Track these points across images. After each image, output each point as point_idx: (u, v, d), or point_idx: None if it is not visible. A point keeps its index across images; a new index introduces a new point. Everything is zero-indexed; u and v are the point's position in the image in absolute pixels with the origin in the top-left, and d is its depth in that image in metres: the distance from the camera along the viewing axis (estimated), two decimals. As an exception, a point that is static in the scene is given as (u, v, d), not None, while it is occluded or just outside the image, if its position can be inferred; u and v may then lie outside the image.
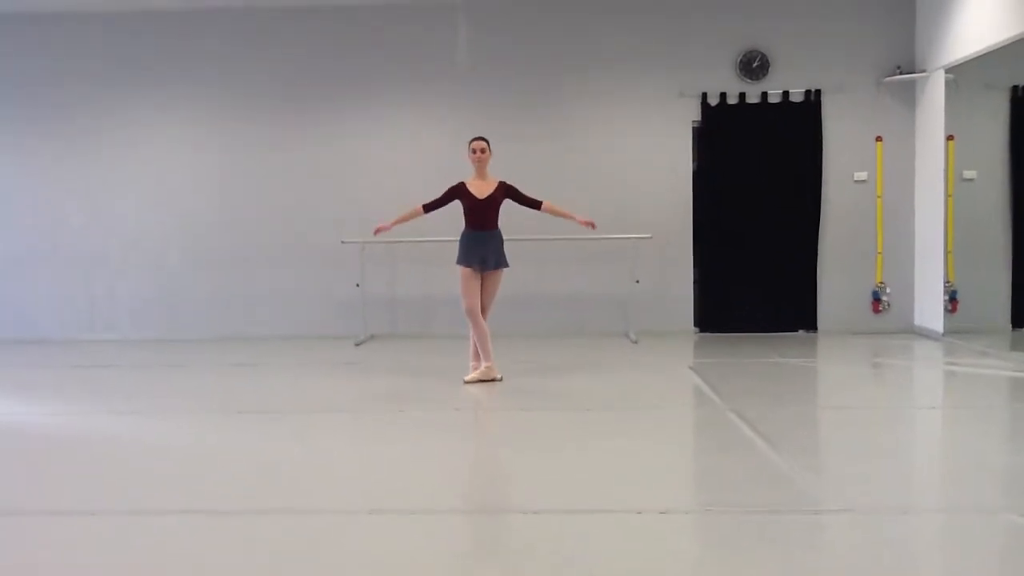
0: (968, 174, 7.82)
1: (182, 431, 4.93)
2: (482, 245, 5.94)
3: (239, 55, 8.55)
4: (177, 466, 4.19)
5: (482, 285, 6.00)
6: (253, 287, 8.65)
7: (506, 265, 6.05)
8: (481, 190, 5.98)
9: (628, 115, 8.42)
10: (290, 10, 8.47)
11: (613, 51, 8.37)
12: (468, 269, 5.94)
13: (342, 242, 8.19)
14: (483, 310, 6.01)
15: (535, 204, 6.07)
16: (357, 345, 8.01)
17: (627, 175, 8.42)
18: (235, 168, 8.61)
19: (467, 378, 5.99)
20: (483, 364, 5.99)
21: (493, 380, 5.97)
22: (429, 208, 6.06)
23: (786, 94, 8.30)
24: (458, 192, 6.01)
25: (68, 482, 3.97)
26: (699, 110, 8.35)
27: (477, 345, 6.01)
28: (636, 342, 7.90)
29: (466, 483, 3.92)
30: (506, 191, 6.02)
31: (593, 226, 6.21)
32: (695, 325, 8.51)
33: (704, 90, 8.33)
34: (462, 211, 6.04)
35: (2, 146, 8.69)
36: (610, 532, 3.18)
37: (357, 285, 8.22)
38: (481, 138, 6.07)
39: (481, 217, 5.96)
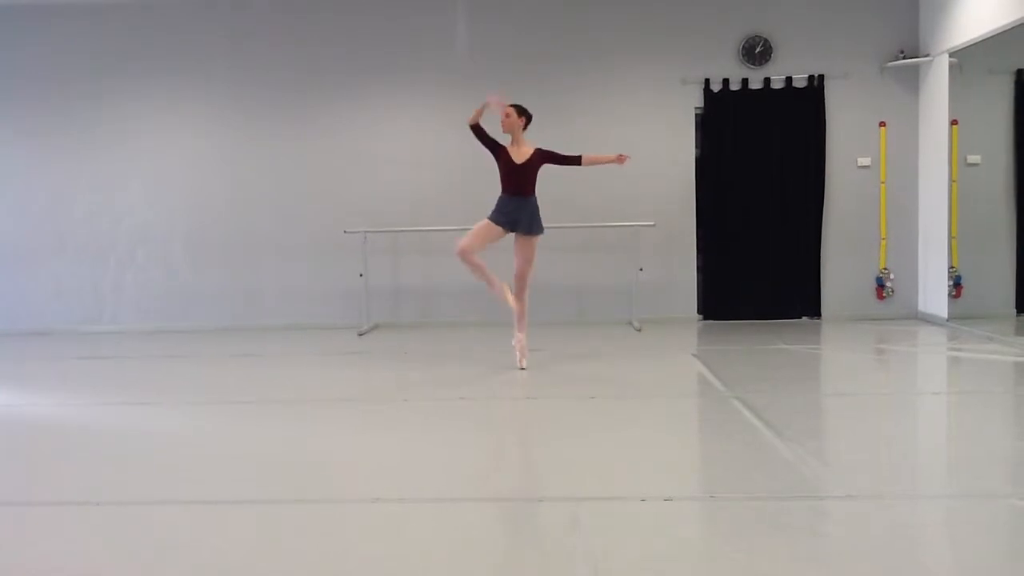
0: (972, 159, 7.79)
1: (187, 422, 4.94)
2: (516, 209, 5.92)
3: (243, 47, 8.53)
4: (183, 456, 4.20)
5: (515, 250, 6.02)
6: (257, 278, 8.66)
7: (540, 231, 6.01)
8: (519, 155, 5.97)
9: (630, 102, 8.39)
10: (293, 2, 8.45)
11: (614, 38, 8.34)
12: (492, 223, 5.93)
13: (344, 232, 8.18)
14: (520, 278, 6.03)
15: (575, 160, 6.02)
16: (361, 335, 8.02)
17: (630, 163, 8.36)
18: (238, 160, 8.60)
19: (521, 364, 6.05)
20: (498, 286, 5.94)
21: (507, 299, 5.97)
22: (477, 127, 5.93)
23: (789, 80, 8.26)
24: (499, 150, 5.98)
25: (72, 473, 3.98)
26: (701, 97, 8.32)
27: (482, 278, 5.97)
28: (640, 330, 7.89)
29: (470, 472, 3.92)
30: (542, 156, 5.99)
31: (623, 159, 6.15)
32: (699, 312, 8.51)
33: (706, 76, 8.30)
34: (499, 176, 5.99)
35: (6, 138, 8.68)
36: (614, 519, 3.18)
37: (360, 275, 8.21)
38: (511, 104, 6.03)
39: (517, 182, 5.94)
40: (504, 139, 6.11)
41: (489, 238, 5.98)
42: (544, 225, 6.09)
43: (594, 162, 6.15)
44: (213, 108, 8.62)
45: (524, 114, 6.05)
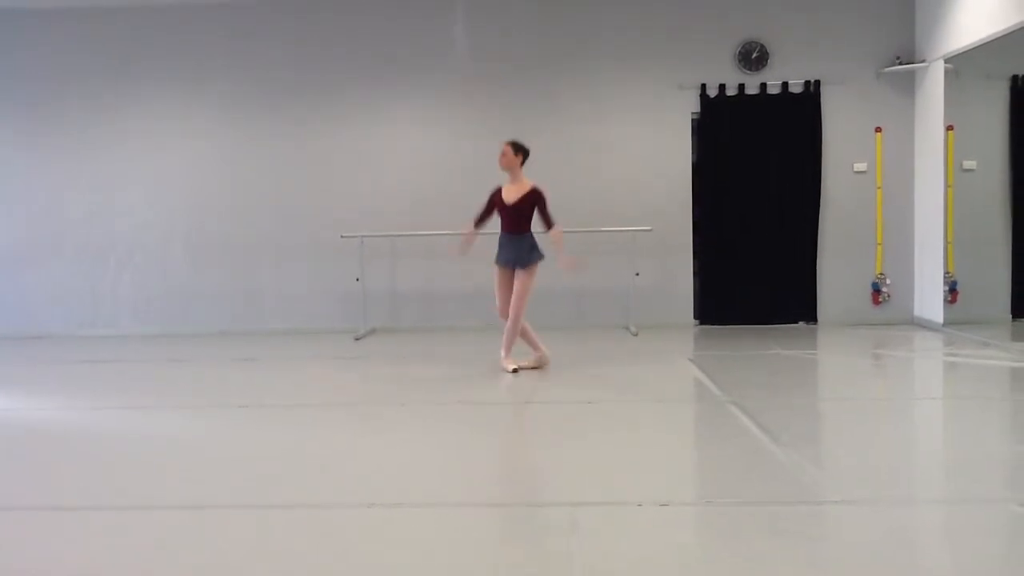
0: (968, 164, 7.81)
1: (186, 425, 4.93)
2: (509, 246, 6.13)
3: (242, 48, 8.53)
4: (181, 461, 4.20)
5: (514, 278, 6.19)
6: (255, 282, 8.66)
7: (522, 266, 6.11)
8: (511, 195, 6.11)
9: (627, 107, 8.40)
10: (292, 3, 8.46)
11: (612, 43, 8.36)
12: (498, 268, 6.21)
13: (341, 236, 8.19)
14: (513, 299, 6.14)
15: (547, 225, 6.11)
16: (357, 339, 8.02)
17: (627, 167, 8.42)
18: (236, 163, 8.61)
19: (523, 363, 6.27)
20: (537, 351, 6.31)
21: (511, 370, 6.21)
22: (479, 223, 6.24)
23: (785, 85, 8.28)
24: (493, 198, 6.19)
25: (71, 477, 3.98)
26: (698, 102, 8.34)
27: (507, 338, 6.24)
28: (636, 334, 7.90)
29: (467, 477, 3.92)
30: (532, 201, 6.09)
31: (574, 266, 6.22)
32: (695, 317, 8.52)
33: (703, 81, 8.32)
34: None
35: (5, 139, 8.67)
36: (611, 524, 3.19)
37: (357, 279, 8.22)
38: (507, 142, 6.16)
39: (509, 221, 6.14)
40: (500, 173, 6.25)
41: (507, 286, 6.21)
42: (541, 230, 6.14)
43: (555, 241, 6.14)
44: (212, 109, 8.62)
45: (520, 151, 6.13)
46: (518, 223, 6.10)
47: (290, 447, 4.41)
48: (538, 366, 6.30)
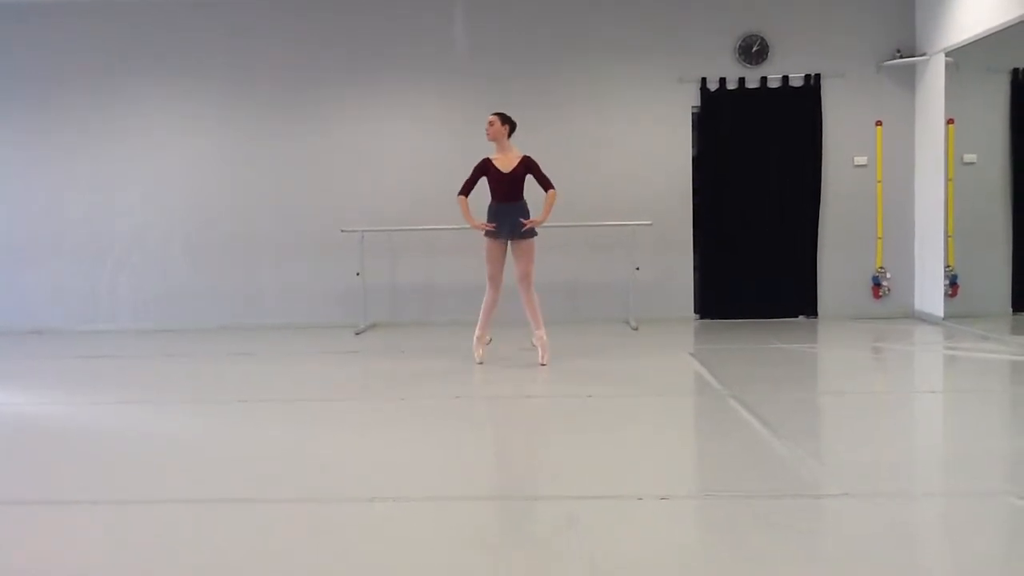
0: (968, 158, 7.80)
1: (184, 421, 4.94)
2: (506, 216, 6.05)
3: (239, 46, 8.52)
4: (179, 455, 4.20)
5: (513, 256, 6.15)
6: (254, 277, 8.65)
7: (534, 234, 6.14)
8: (505, 164, 6.08)
9: (627, 101, 8.39)
10: (292, 2, 8.44)
11: (612, 37, 8.35)
12: (492, 241, 6.13)
13: (342, 231, 8.18)
14: (523, 279, 6.15)
15: (544, 187, 6.07)
16: (357, 334, 8.02)
17: (627, 161, 8.41)
18: (236, 158, 8.60)
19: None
20: (477, 330, 6.37)
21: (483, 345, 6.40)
22: (466, 192, 6.12)
23: (786, 79, 8.27)
24: (484, 168, 6.12)
25: (70, 471, 3.98)
26: (698, 95, 8.33)
27: (482, 317, 6.32)
28: (636, 329, 7.90)
29: (466, 471, 3.92)
30: (527, 167, 6.08)
31: (538, 224, 6.15)
32: (695, 312, 8.52)
33: (703, 75, 8.30)
34: (488, 186, 6.14)
35: (5, 138, 8.65)
36: (611, 518, 3.19)
37: (357, 274, 8.21)
38: (494, 113, 6.19)
39: (506, 190, 6.07)
40: (486, 148, 6.26)
41: (500, 256, 6.16)
42: (542, 224, 6.14)
43: (549, 202, 6.04)
44: (212, 107, 8.61)
45: (508, 122, 6.15)
46: (514, 191, 6.07)
47: (290, 442, 4.41)
48: (480, 345, 6.37)
